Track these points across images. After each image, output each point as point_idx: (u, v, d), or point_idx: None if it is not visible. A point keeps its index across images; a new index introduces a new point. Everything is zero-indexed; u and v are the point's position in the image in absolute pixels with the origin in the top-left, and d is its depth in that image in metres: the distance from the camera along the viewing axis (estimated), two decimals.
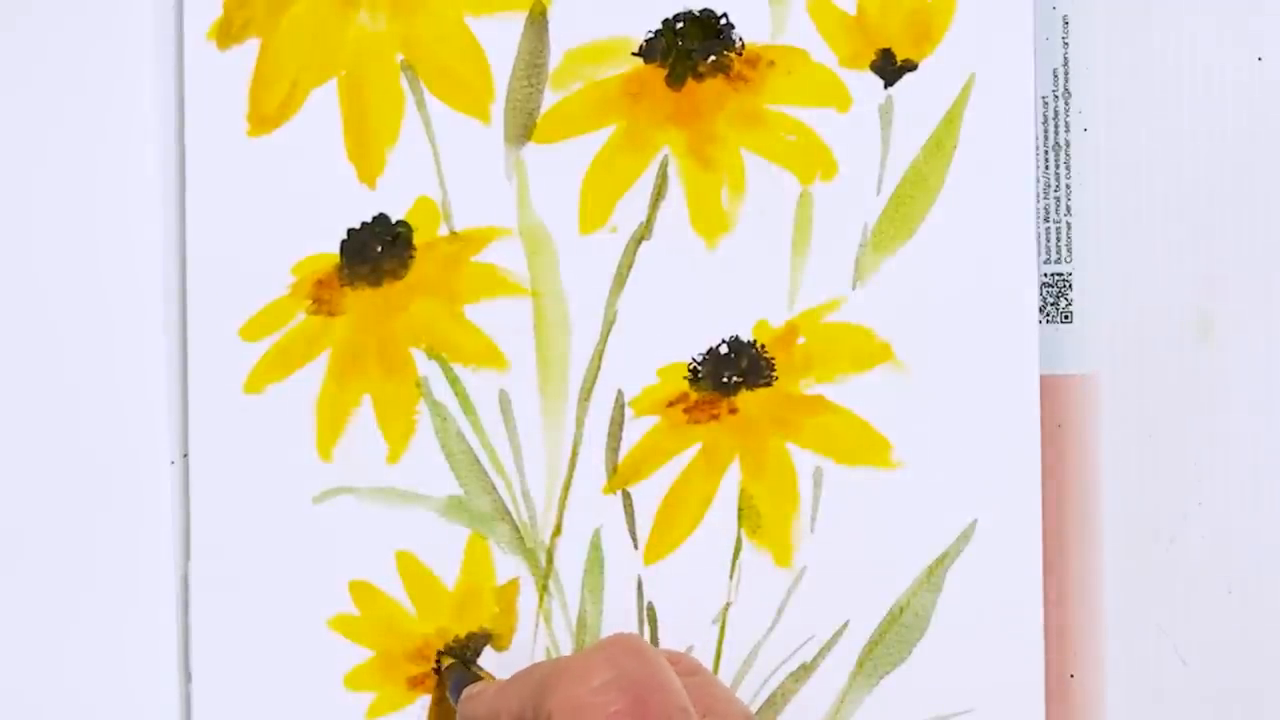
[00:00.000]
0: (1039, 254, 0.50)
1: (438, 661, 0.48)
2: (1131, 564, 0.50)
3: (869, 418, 0.49)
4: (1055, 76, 0.50)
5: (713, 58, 0.49)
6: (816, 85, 0.49)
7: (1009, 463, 0.49)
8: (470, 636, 0.48)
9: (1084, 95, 0.50)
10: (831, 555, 0.49)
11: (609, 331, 0.49)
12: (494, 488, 0.49)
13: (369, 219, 0.48)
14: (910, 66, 0.49)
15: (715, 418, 0.49)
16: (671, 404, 0.49)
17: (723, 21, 0.49)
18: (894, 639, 0.49)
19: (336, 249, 0.48)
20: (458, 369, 0.49)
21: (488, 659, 0.49)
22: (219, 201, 0.48)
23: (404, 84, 0.48)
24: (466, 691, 0.46)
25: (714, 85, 0.49)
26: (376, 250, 0.48)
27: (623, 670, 0.41)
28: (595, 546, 0.49)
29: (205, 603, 0.48)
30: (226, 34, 0.48)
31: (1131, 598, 0.50)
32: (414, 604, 0.48)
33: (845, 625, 0.49)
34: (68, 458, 0.47)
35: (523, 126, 0.49)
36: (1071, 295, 0.50)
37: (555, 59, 0.49)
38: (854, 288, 0.49)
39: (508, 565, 0.49)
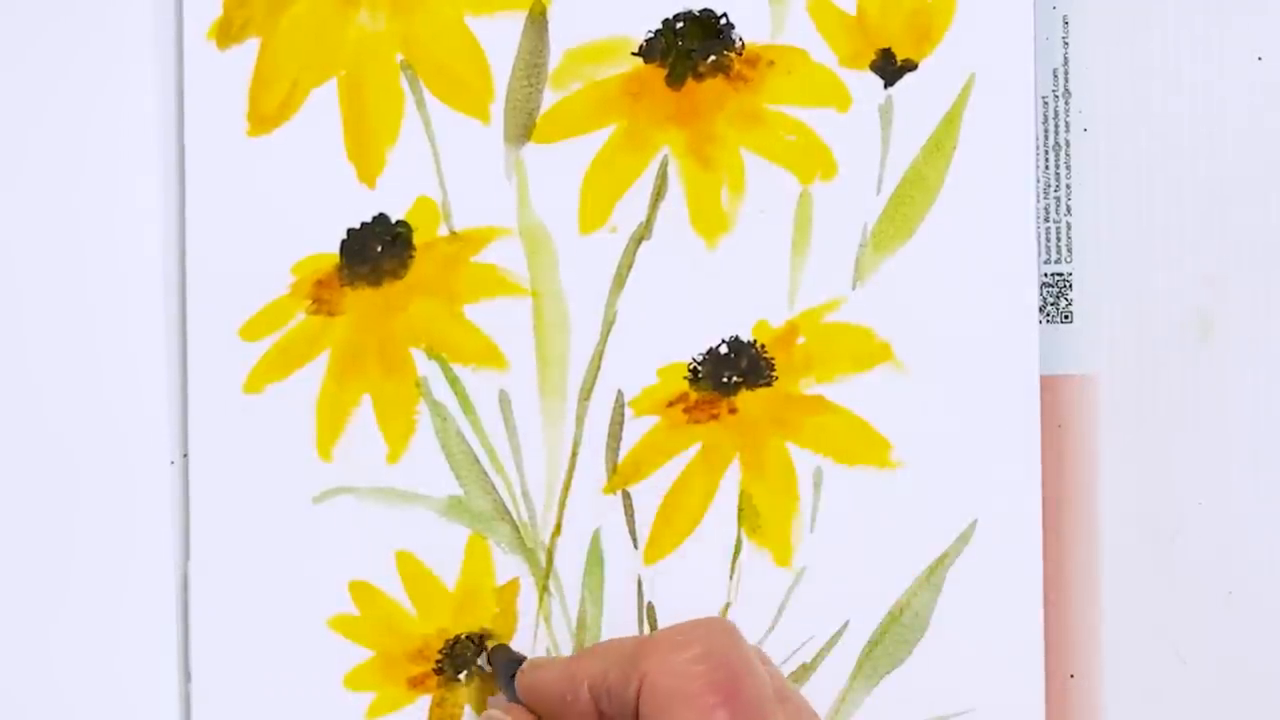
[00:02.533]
0: (1039, 254, 0.50)
1: (439, 661, 0.48)
2: (1131, 564, 0.50)
3: (869, 418, 0.49)
4: (1055, 76, 0.50)
5: (713, 57, 0.49)
6: (816, 85, 0.49)
7: (1009, 463, 0.49)
8: (470, 636, 0.48)
9: (1084, 95, 0.50)
10: (831, 555, 0.49)
11: (609, 331, 0.49)
12: (494, 488, 0.49)
13: (369, 219, 0.48)
14: (910, 66, 0.49)
15: (715, 418, 0.49)
16: (671, 404, 0.49)
17: (723, 21, 0.49)
18: (894, 639, 0.49)
19: (336, 249, 0.48)
20: (458, 369, 0.49)
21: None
22: (219, 201, 0.48)
23: (404, 84, 0.48)
24: (531, 661, 0.46)
25: (714, 85, 0.49)
26: (376, 250, 0.48)
27: (717, 648, 0.42)
28: (595, 546, 0.49)
29: (205, 603, 0.48)
30: (226, 34, 0.48)
31: (1131, 598, 0.50)
32: (414, 604, 0.48)
33: (845, 625, 0.49)
34: (67, 457, 0.47)
35: (522, 126, 0.49)
36: (1071, 295, 0.50)
37: (555, 59, 0.49)
38: (854, 288, 0.49)
39: (508, 565, 0.49)
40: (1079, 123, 0.50)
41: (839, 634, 0.49)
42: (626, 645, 0.43)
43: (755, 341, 0.49)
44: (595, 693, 0.43)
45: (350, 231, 0.48)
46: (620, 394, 0.49)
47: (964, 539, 0.49)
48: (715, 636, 0.43)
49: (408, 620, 0.48)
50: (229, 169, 0.48)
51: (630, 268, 0.49)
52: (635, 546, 0.49)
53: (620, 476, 0.49)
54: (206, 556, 0.48)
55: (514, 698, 0.46)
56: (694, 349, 0.49)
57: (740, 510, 0.49)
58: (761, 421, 0.49)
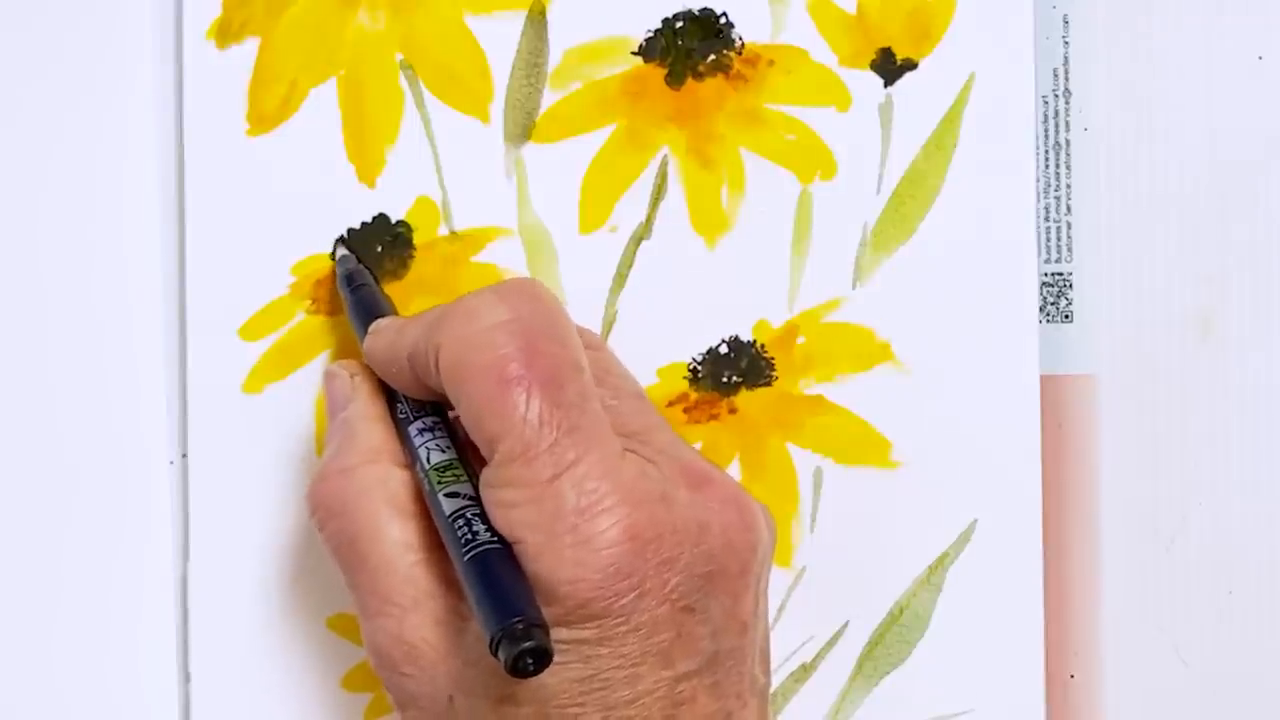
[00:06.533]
0: (1039, 254, 0.50)
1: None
2: (1131, 564, 0.50)
3: (869, 418, 0.49)
4: (1055, 76, 0.50)
5: (712, 57, 0.49)
6: (816, 84, 0.49)
7: (1009, 463, 0.49)
8: None
9: (1084, 95, 0.50)
10: (831, 555, 0.49)
11: (609, 331, 0.49)
12: None
13: (369, 219, 0.48)
14: (910, 66, 0.49)
15: (715, 418, 0.49)
16: (671, 404, 0.49)
17: (722, 21, 0.49)
18: (894, 639, 0.49)
19: None
20: None
21: None
22: (218, 201, 0.48)
23: (403, 83, 0.48)
24: (374, 326, 0.44)
25: (713, 84, 0.49)
26: (376, 250, 0.48)
27: (518, 314, 0.39)
28: None
29: (204, 603, 0.48)
30: (226, 33, 0.48)
31: (1131, 598, 0.50)
32: None
33: (845, 625, 0.49)
34: (66, 458, 0.47)
35: (522, 126, 0.49)
36: (1071, 295, 0.50)
37: (555, 58, 0.49)
38: (854, 287, 0.49)
39: None
40: (1079, 122, 0.50)
41: (839, 634, 0.49)
42: (433, 313, 0.41)
43: (755, 341, 0.49)
44: (413, 364, 0.41)
45: (350, 231, 0.48)
46: None
47: (964, 539, 0.49)
48: (516, 302, 0.40)
49: None
50: (228, 169, 0.48)
51: (630, 267, 0.49)
52: None
53: None
54: (206, 557, 0.48)
55: None
56: (694, 349, 0.49)
57: None
58: (761, 421, 0.49)
